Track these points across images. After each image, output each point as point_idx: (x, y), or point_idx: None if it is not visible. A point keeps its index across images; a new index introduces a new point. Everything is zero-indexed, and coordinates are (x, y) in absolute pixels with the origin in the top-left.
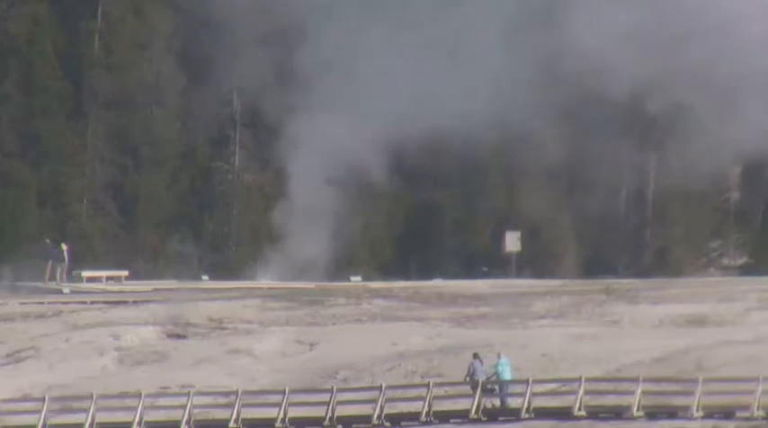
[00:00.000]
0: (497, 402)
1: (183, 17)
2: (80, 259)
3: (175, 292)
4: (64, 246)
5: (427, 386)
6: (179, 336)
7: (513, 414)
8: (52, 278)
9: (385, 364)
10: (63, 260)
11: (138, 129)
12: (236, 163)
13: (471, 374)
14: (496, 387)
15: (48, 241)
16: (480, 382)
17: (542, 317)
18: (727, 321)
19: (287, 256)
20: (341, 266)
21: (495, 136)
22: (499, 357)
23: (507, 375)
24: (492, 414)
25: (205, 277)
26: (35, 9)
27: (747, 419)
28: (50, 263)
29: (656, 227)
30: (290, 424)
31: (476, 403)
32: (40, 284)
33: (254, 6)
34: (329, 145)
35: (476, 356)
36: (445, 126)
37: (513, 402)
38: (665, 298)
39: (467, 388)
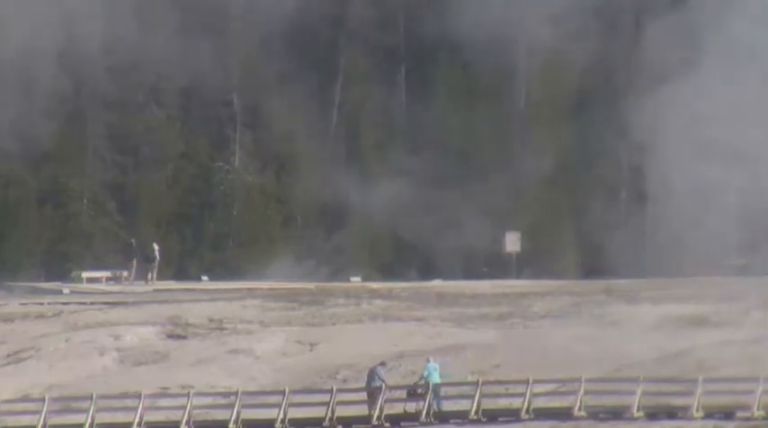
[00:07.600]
0: (429, 406)
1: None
2: (80, 259)
3: (175, 292)
4: (156, 247)
5: (427, 386)
6: (179, 336)
7: (436, 416)
8: (138, 278)
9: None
10: (155, 259)
11: (138, 129)
12: (236, 163)
13: (368, 381)
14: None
15: (133, 241)
16: (371, 388)
17: (542, 318)
18: (728, 321)
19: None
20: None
21: None
22: (428, 361)
23: (436, 379)
24: (492, 415)
25: (205, 277)
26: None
27: (747, 419)
28: (135, 262)
29: (656, 227)
30: (290, 425)
31: (475, 404)
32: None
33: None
34: None
35: (382, 364)
36: None
37: (447, 405)
38: (665, 298)
39: (467, 389)
